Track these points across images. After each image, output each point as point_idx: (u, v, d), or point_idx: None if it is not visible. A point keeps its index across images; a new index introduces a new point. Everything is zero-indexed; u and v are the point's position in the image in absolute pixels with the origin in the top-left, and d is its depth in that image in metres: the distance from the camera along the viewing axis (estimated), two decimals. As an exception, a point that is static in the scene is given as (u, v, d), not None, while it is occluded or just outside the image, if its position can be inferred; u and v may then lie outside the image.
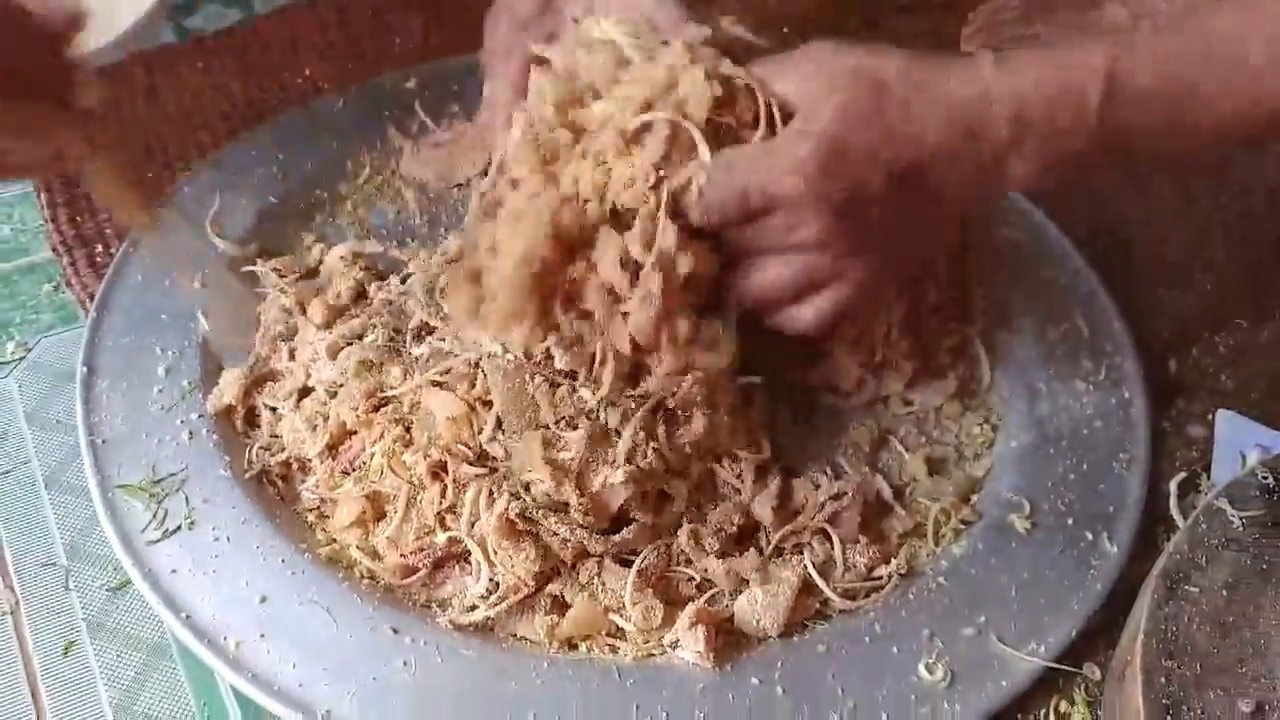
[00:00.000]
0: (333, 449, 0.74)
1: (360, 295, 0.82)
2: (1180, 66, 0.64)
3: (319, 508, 0.74)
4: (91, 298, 0.83)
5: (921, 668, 0.67)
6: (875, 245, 0.67)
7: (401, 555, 0.69)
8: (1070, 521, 0.74)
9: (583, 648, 0.68)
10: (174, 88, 0.99)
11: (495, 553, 0.67)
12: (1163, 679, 0.60)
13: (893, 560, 0.71)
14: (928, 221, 0.70)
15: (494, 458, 0.70)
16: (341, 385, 0.74)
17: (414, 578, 0.69)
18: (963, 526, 0.74)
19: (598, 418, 0.69)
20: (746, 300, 0.69)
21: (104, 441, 0.74)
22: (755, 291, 0.69)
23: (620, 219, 0.67)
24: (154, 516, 0.71)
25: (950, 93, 0.65)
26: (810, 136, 0.64)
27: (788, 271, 0.67)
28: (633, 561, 0.69)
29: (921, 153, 0.64)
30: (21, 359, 0.84)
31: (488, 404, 0.70)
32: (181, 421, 0.76)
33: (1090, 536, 0.73)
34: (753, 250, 0.68)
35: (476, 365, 0.71)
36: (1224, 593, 0.63)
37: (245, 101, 0.99)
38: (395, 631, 0.67)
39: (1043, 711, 0.68)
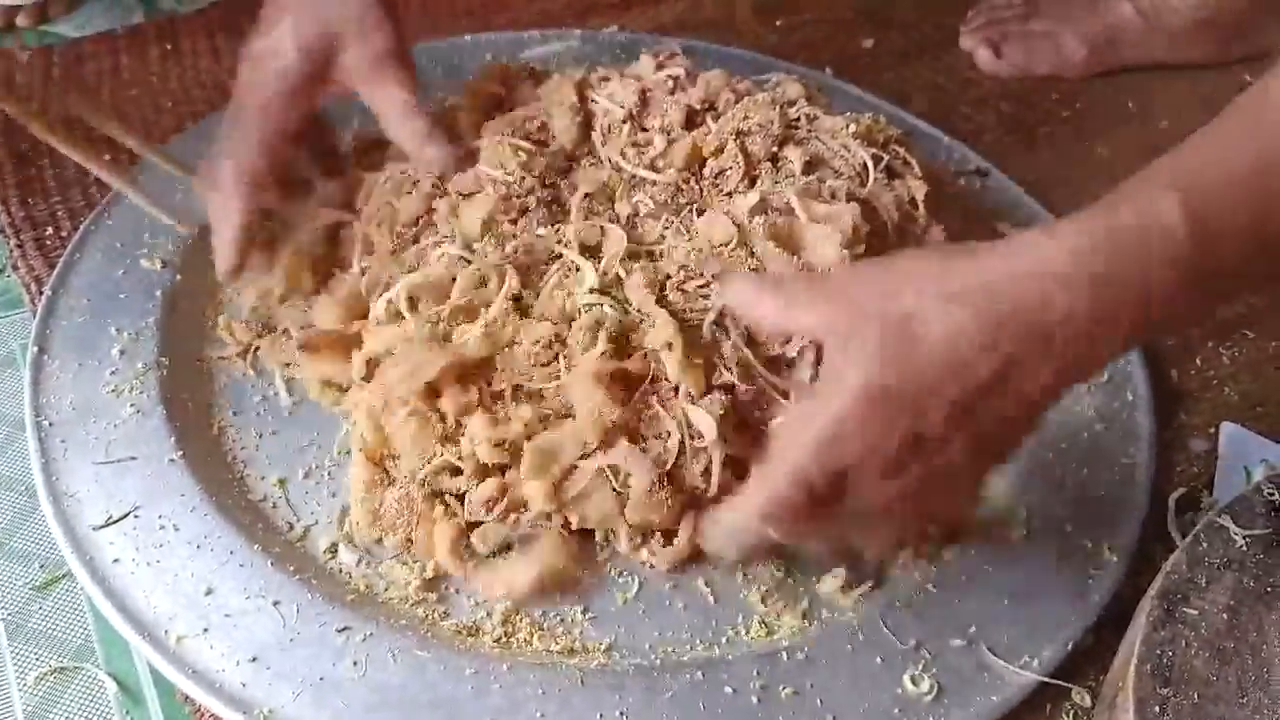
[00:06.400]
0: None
1: None
2: (1257, 177, 0.55)
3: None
4: (38, 281, 0.81)
5: (907, 679, 0.64)
6: (970, 468, 0.59)
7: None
8: (1068, 529, 0.72)
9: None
10: (141, 69, 0.98)
11: None
12: (1157, 708, 0.57)
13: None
14: (1025, 421, 0.58)
15: None
16: None
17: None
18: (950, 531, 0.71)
19: None
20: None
21: (50, 423, 0.71)
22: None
23: None
24: (98, 502, 0.67)
25: (1002, 311, 0.54)
26: (853, 387, 0.55)
27: (890, 534, 0.65)
28: None
29: (979, 380, 0.54)
30: (-44, 346, 0.80)
31: None
32: (133, 405, 0.72)
33: (1089, 545, 0.71)
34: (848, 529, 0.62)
35: None
36: (1224, 616, 0.60)
37: (214, 83, 0.97)
38: (346, 629, 0.63)
39: (1029, 736, 0.65)
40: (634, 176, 0.77)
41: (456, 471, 0.68)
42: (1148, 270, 0.54)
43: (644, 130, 0.79)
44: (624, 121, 0.80)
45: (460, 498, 0.68)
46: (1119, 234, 0.54)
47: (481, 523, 0.68)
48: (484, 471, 0.68)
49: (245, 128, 0.75)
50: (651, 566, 0.69)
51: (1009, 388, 0.55)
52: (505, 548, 0.69)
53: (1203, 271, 0.55)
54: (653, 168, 0.77)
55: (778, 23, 1.10)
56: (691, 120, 0.80)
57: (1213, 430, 0.79)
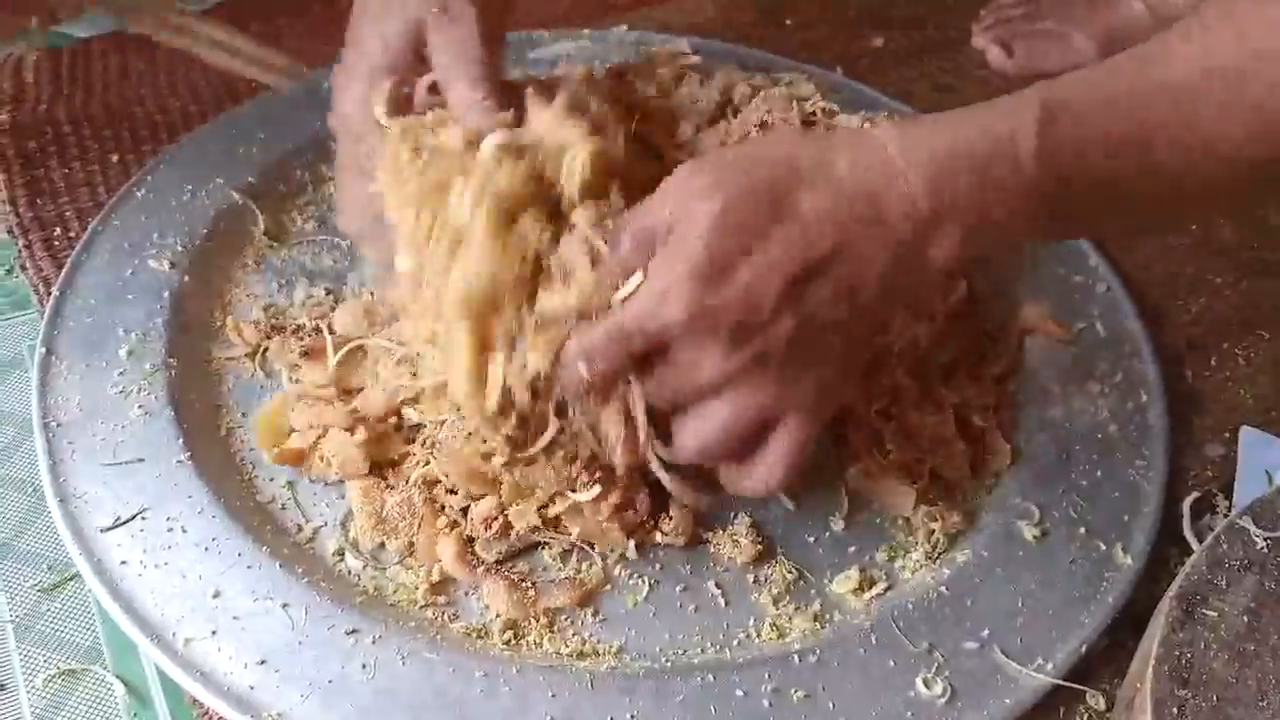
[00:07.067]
0: None
1: None
2: (1131, 103, 0.56)
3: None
4: (46, 282, 0.81)
5: (919, 682, 0.63)
6: (801, 361, 0.58)
7: None
8: (1082, 531, 0.71)
9: None
10: (148, 68, 0.97)
11: None
12: (1175, 709, 0.56)
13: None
14: (856, 320, 0.58)
15: None
16: None
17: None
18: (953, 531, 0.71)
19: None
20: (687, 460, 0.62)
21: (58, 424, 0.71)
22: (691, 455, 0.61)
23: None
24: (106, 504, 0.67)
25: (842, 177, 0.56)
26: (680, 255, 0.56)
27: (715, 422, 0.59)
28: None
29: (816, 251, 0.56)
30: (-35, 347, 0.80)
31: None
32: (140, 406, 0.72)
33: (1103, 547, 0.70)
34: (670, 406, 0.60)
35: None
36: (1244, 618, 0.60)
37: (223, 81, 0.96)
38: (355, 632, 0.63)
39: (1044, 739, 0.64)
40: None
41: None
42: (987, 178, 0.56)
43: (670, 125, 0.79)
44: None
45: (464, 510, 0.68)
46: (965, 141, 0.56)
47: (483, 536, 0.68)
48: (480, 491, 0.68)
49: (351, 146, 0.71)
50: (665, 540, 0.69)
51: (843, 270, 0.56)
52: (512, 555, 0.68)
53: (1048, 188, 0.56)
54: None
55: (787, 22, 1.09)
56: (714, 115, 0.79)
57: (1227, 434, 0.78)
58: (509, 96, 0.76)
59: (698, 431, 0.60)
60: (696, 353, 0.57)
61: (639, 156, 0.76)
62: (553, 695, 0.61)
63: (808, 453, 0.60)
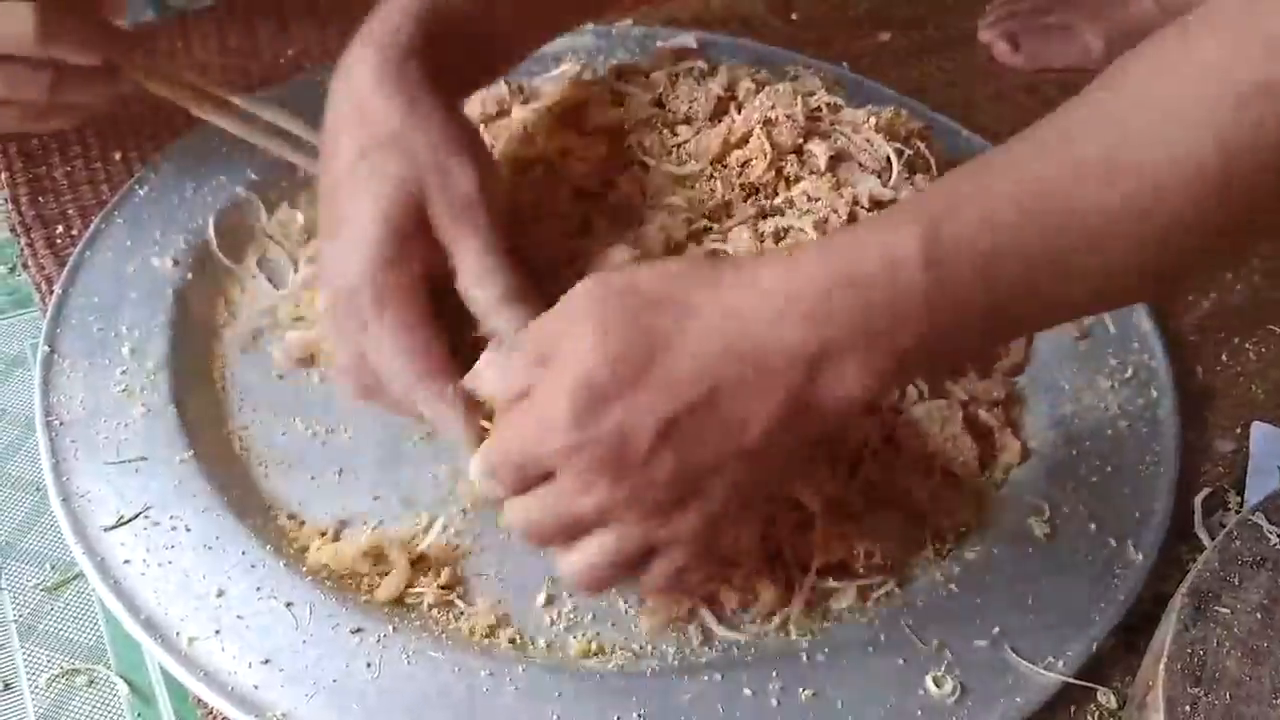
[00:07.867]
0: None
1: None
2: (1010, 196, 0.52)
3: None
4: (49, 280, 0.80)
5: (929, 681, 0.63)
6: (684, 499, 0.55)
7: None
8: (1092, 527, 0.70)
9: None
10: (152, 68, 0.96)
11: None
12: (1187, 708, 0.56)
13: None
14: (744, 461, 0.55)
15: None
16: None
17: None
18: (962, 528, 0.71)
19: None
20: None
21: (61, 423, 0.70)
22: (571, 585, 0.61)
23: None
24: (109, 503, 0.67)
25: (718, 321, 0.53)
26: (561, 387, 0.53)
27: (593, 556, 0.57)
28: None
29: (690, 395, 0.53)
30: (-33, 346, 0.80)
31: None
32: (143, 405, 0.72)
33: (1114, 543, 0.69)
34: (551, 530, 0.57)
35: None
36: (1258, 615, 0.59)
37: (225, 82, 0.96)
38: (360, 631, 0.63)
39: (1055, 737, 0.64)
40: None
41: None
42: (879, 303, 0.52)
43: (669, 128, 0.79)
44: (653, 104, 0.80)
45: None
46: (849, 266, 0.52)
47: None
48: None
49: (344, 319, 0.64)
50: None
51: (722, 415, 0.53)
52: None
53: (945, 303, 0.52)
54: (678, 159, 0.77)
55: (793, 16, 1.09)
56: (717, 110, 0.79)
57: (1239, 429, 0.78)
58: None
59: (577, 562, 0.57)
60: (579, 482, 0.54)
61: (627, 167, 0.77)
62: (559, 695, 0.61)
63: (688, 579, 0.60)
